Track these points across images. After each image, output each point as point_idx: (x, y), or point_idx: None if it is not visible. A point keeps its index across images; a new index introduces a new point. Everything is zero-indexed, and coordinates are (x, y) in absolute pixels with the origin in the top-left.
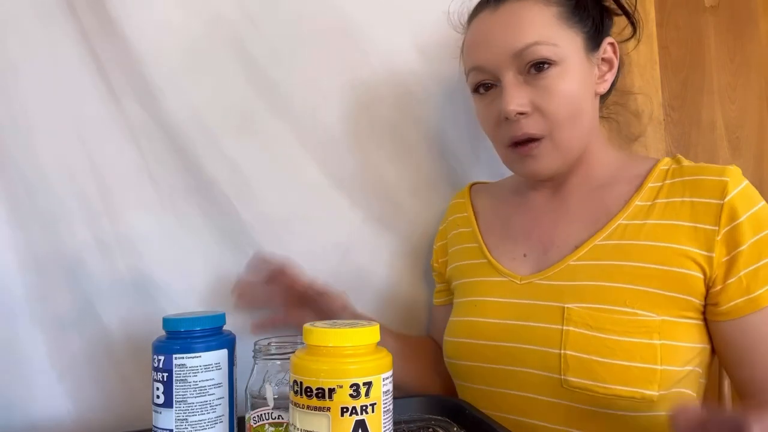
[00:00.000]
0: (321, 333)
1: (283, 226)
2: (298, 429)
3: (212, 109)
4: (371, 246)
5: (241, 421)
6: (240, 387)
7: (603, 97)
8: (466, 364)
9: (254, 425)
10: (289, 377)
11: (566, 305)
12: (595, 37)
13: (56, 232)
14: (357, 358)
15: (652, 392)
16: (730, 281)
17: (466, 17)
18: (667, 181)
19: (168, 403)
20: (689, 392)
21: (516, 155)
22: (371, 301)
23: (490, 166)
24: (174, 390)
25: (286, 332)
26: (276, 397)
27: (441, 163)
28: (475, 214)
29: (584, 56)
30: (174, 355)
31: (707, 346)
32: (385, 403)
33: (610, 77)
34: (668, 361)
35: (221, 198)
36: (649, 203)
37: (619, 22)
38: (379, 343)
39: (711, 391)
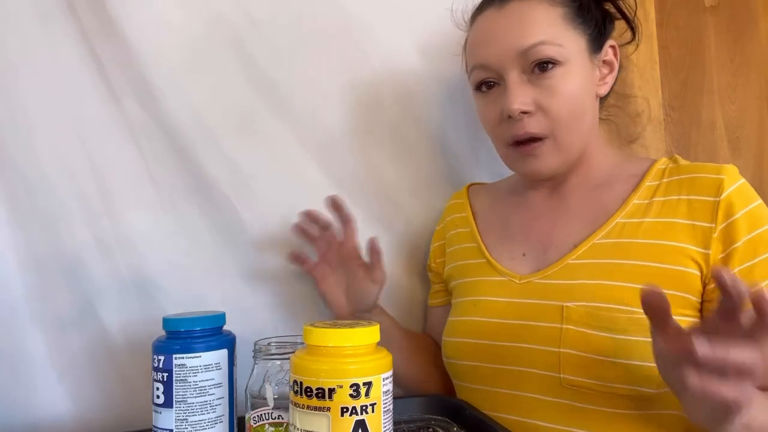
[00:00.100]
0: (321, 333)
1: (283, 226)
2: (298, 429)
3: (212, 109)
4: None
5: (241, 421)
6: (240, 387)
7: (602, 99)
8: (465, 364)
9: (254, 425)
10: (289, 377)
11: (565, 304)
12: (597, 39)
13: (56, 232)
14: (357, 358)
15: (650, 390)
16: None
17: (469, 15)
18: (665, 180)
19: (168, 403)
20: None
21: (517, 154)
22: None
23: (490, 166)
24: (174, 390)
25: (287, 333)
26: (276, 397)
27: (441, 163)
28: (473, 215)
29: (587, 58)
30: (174, 355)
31: None
32: (385, 403)
33: (610, 80)
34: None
35: (221, 198)
36: (646, 201)
37: (620, 26)
38: (385, 336)
39: None
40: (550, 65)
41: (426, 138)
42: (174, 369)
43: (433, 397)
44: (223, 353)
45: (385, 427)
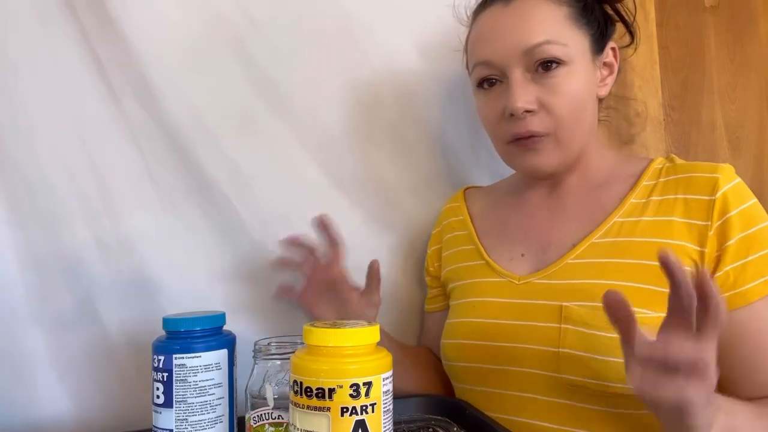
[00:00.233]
0: (321, 333)
1: (283, 226)
2: (298, 429)
3: (212, 109)
4: (371, 246)
5: (241, 421)
6: (240, 387)
7: (599, 101)
8: (464, 366)
9: (254, 425)
10: (289, 377)
11: (564, 304)
12: (600, 40)
13: (56, 232)
14: (357, 358)
15: None
16: (717, 275)
17: (472, 10)
18: (661, 179)
19: (168, 403)
20: None
21: (517, 149)
22: None
23: (490, 166)
24: (174, 390)
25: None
26: (276, 397)
27: (441, 163)
28: (470, 217)
29: (590, 58)
30: (174, 355)
31: None
32: (385, 403)
33: (610, 81)
34: None
35: (221, 198)
36: (643, 201)
37: (619, 28)
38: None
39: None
40: (554, 64)
41: (426, 138)
42: (174, 369)
43: (433, 397)
44: (223, 353)
45: (385, 427)
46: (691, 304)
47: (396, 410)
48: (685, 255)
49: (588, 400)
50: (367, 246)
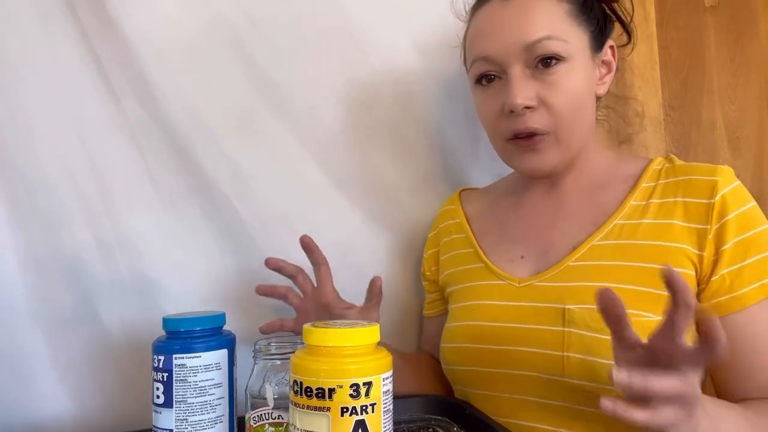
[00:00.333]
0: (321, 333)
1: (283, 226)
2: (298, 429)
3: (212, 110)
4: (371, 246)
5: (241, 421)
6: (240, 387)
7: (598, 99)
8: (466, 369)
9: (254, 425)
10: (289, 377)
11: (567, 306)
12: (599, 37)
13: (56, 232)
14: (357, 358)
15: None
16: (713, 279)
17: (470, 5)
18: (661, 181)
19: (168, 403)
20: None
21: (516, 148)
22: None
23: (490, 166)
24: (174, 390)
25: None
26: (276, 397)
27: (441, 163)
28: (467, 220)
29: (589, 56)
30: (174, 355)
31: None
32: (385, 403)
33: (608, 80)
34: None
35: (221, 198)
36: (644, 203)
37: (618, 27)
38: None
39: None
40: (554, 61)
41: (426, 138)
42: (174, 369)
43: (433, 397)
44: (223, 353)
45: (385, 427)
46: (686, 325)
47: (396, 410)
48: (686, 258)
49: (591, 403)
50: (367, 246)
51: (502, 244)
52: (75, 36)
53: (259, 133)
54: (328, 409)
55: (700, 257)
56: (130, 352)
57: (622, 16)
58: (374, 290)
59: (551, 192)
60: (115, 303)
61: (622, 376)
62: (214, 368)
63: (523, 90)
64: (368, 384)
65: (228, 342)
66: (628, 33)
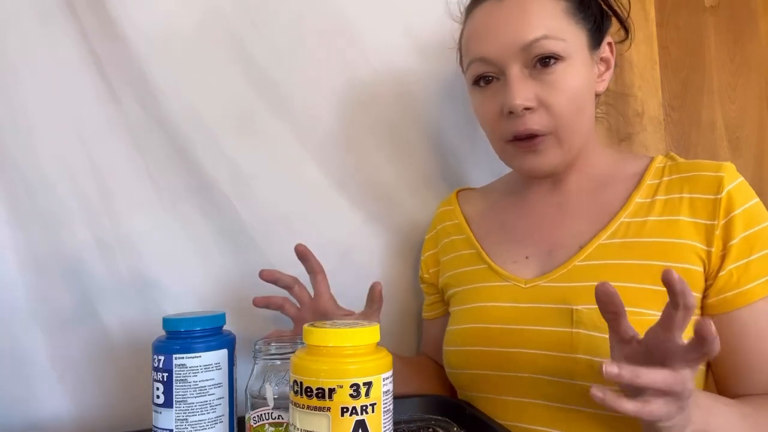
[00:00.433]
0: (321, 333)
1: (283, 226)
2: (298, 429)
3: (212, 110)
4: (371, 246)
5: (241, 421)
6: (240, 387)
7: (596, 97)
8: (470, 373)
9: (254, 425)
10: (289, 377)
11: (574, 307)
12: (596, 35)
13: (56, 232)
14: (357, 358)
15: None
16: (720, 274)
17: (465, 5)
18: (665, 178)
19: (168, 403)
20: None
21: (516, 150)
22: None
23: (490, 165)
24: (174, 390)
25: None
26: (276, 397)
27: (441, 163)
28: (466, 221)
29: (588, 54)
30: (174, 355)
31: None
32: (385, 403)
33: (607, 77)
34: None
35: (221, 198)
36: (649, 200)
37: (614, 24)
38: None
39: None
40: (552, 60)
41: (426, 137)
42: (174, 369)
43: (433, 397)
44: (223, 353)
45: (385, 427)
46: (684, 325)
47: (396, 410)
48: (695, 254)
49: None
50: (367, 246)
51: (505, 245)
52: (75, 36)
53: (259, 133)
54: (328, 409)
55: (708, 253)
56: (130, 352)
57: (619, 12)
58: (374, 296)
59: (554, 191)
60: (115, 303)
61: (612, 369)
62: (214, 368)
63: (522, 91)
64: (368, 384)
65: (228, 342)
66: (626, 29)
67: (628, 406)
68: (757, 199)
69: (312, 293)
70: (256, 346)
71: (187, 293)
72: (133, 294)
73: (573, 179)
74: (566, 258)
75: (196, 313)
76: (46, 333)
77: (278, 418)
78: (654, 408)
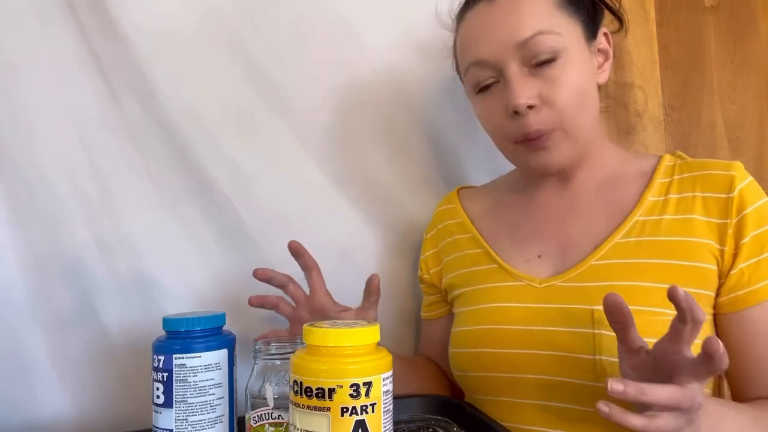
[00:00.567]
0: (321, 333)
1: (283, 226)
2: (298, 429)
3: (212, 110)
4: (371, 246)
5: (241, 421)
6: (240, 387)
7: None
8: (484, 376)
9: (254, 425)
10: (289, 377)
11: (595, 307)
12: (591, 26)
13: (56, 232)
14: (357, 358)
15: None
16: (732, 273)
17: (455, 14)
18: (676, 177)
19: (168, 403)
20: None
21: (526, 149)
22: None
23: (489, 165)
24: (174, 390)
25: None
26: (276, 397)
27: (441, 163)
28: (470, 219)
29: (585, 45)
30: (174, 355)
31: None
32: (385, 403)
33: (607, 67)
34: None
35: (221, 198)
36: (662, 198)
37: (609, 16)
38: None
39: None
40: (549, 56)
41: (425, 137)
42: (174, 369)
43: (433, 397)
44: (223, 353)
45: (385, 427)
46: (693, 339)
47: (396, 410)
48: (710, 253)
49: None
50: (367, 246)
51: (515, 244)
52: (75, 36)
53: (259, 133)
54: (328, 409)
55: (722, 252)
56: (130, 352)
57: (609, 1)
58: (372, 288)
59: (563, 189)
60: (115, 303)
61: (617, 386)
62: (214, 368)
63: (524, 89)
64: (368, 384)
65: (228, 342)
66: (619, 18)
67: (635, 421)
68: (767, 198)
69: (307, 292)
70: (256, 346)
71: (187, 293)
72: (133, 294)
73: (582, 177)
74: (581, 257)
75: (196, 313)
76: (46, 333)
77: (278, 418)
78: (662, 423)
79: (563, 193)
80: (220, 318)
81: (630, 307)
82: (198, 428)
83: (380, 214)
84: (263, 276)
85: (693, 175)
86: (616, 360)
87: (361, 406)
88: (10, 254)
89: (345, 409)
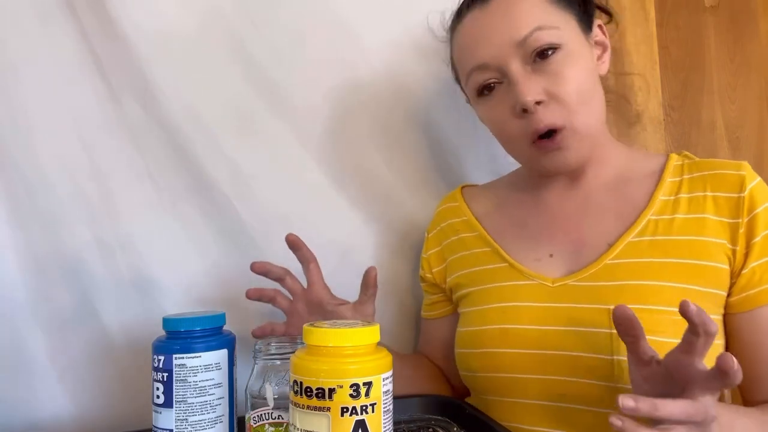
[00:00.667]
0: (321, 333)
1: (283, 226)
2: (298, 429)
3: (212, 109)
4: (371, 246)
5: (241, 421)
6: (240, 387)
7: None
8: (495, 376)
9: (254, 425)
10: (289, 377)
11: (611, 307)
12: (585, 18)
13: (56, 232)
14: (357, 358)
15: None
16: (743, 272)
17: (448, 25)
18: (686, 176)
19: (168, 403)
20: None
21: (541, 151)
22: None
23: (490, 165)
24: (174, 390)
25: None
26: (276, 397)
27: (441, 163)
28: (476, 217)
29: (583, 38)
30: (174, 355)
31: (723, 341)
32: (385, 403)
33: (606, 58)
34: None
35: (221, 198)
36: (673, 198)
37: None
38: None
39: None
40: (550, 50)
41: (425, 137)
42: (174, 369)
43: (433, 397)
44: (223, 353)
45: (385, 427)
46: (705, 351)
47: (396, 410)
48: (722, 253)
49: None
50: (367, 246)
51: (525, 243)
52: (75, 36)
53: (259, 133)
54: (328, 409)
55: (734, 251)
56: (130, 352)
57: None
58: (369, 281)
59: (572, 188)
60: (115, 303)
61: (628, 402)
62: (214, 368)
63: (529, 86)
64: (368, 384)
65: (228, 342)
66: (607, 12)
67: None
68: None
69: (306, 286)
70: (256, 346)
71: (187, 293)
72: (133, 294)
73: (590, 175)
74: (595, 256)
75: (196, 313)
76: (46, 333)
77: (278, 418)
78: None
79: (572, 192)
80: (220, 318)
81: (644, 307)
82: (198, 428)
83: (380, 214)
84: (261, 269)
85: (703, 174)
86: None
87: (361, 406)
88: (10, 254)
89: (345, 409)
